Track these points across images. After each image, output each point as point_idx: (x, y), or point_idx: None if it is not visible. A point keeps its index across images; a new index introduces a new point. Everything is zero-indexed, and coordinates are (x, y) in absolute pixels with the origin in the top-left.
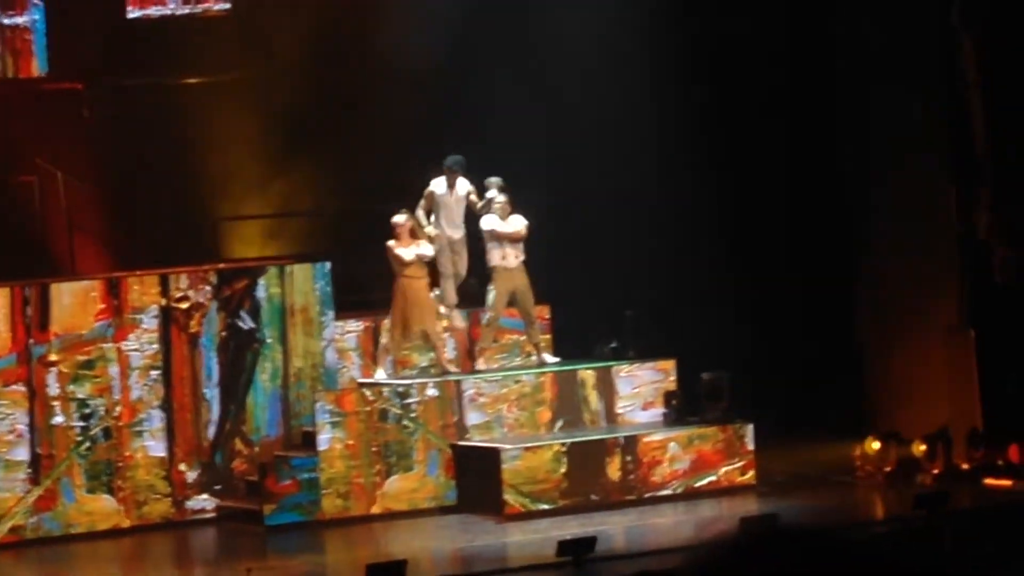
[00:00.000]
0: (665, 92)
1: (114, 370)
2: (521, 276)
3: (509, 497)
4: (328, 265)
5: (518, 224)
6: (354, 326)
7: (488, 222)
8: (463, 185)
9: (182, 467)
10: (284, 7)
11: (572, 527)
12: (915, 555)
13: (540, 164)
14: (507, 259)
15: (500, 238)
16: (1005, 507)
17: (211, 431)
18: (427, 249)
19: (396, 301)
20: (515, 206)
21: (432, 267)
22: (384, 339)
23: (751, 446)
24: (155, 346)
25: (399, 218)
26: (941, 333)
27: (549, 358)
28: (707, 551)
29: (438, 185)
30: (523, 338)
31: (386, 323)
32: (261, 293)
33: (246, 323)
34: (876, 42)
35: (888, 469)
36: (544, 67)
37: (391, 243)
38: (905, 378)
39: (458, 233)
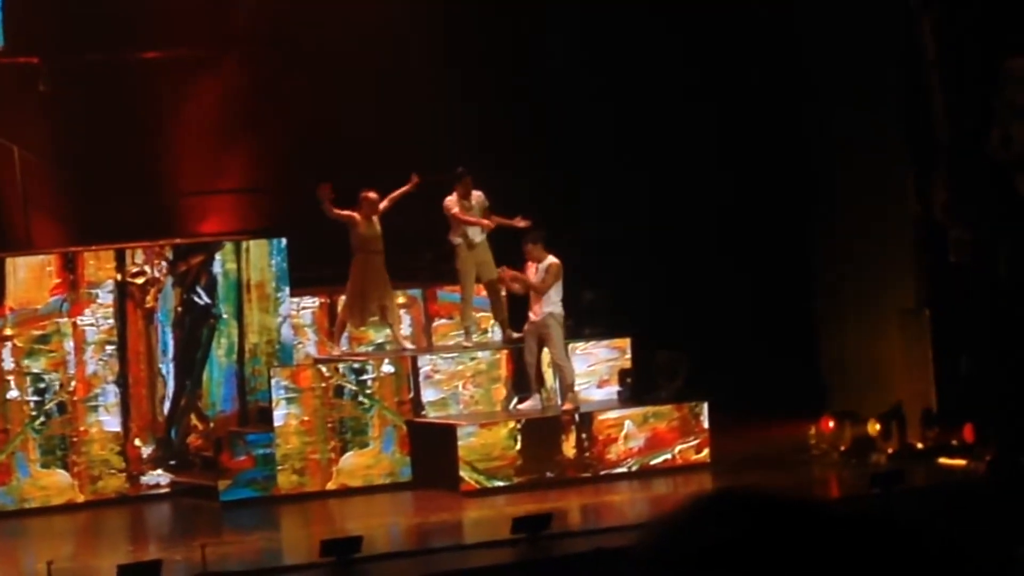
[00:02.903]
0: (628, 73)
1: (69, 345)
2: (485, 252)
3: (464, 474)
4: (284, 241)
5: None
6: (310, 302)
7: (452, 201)
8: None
9: (137, 442)
10: None
11: (527, 504)
12: (871, 526)
13: (498, 144)
14: (472, 235)
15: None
16: (959, 486)
17: (166, 406)
18: (377, 228)
19: (355, 276)
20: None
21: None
22: (341, 315)
23: (706, 425)
24: (111, 321)
25: (370, 194)
26: (896, 313)
27: (513, 334)
28: (664, 522)
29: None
30: (479, 316)
31: (343, 298)
32: (217, 268)
33: (202, 298)
34: (837, 23)
35: (843, 448)
36: (503, 52)
37: (357, 216)
38: (860, 358)
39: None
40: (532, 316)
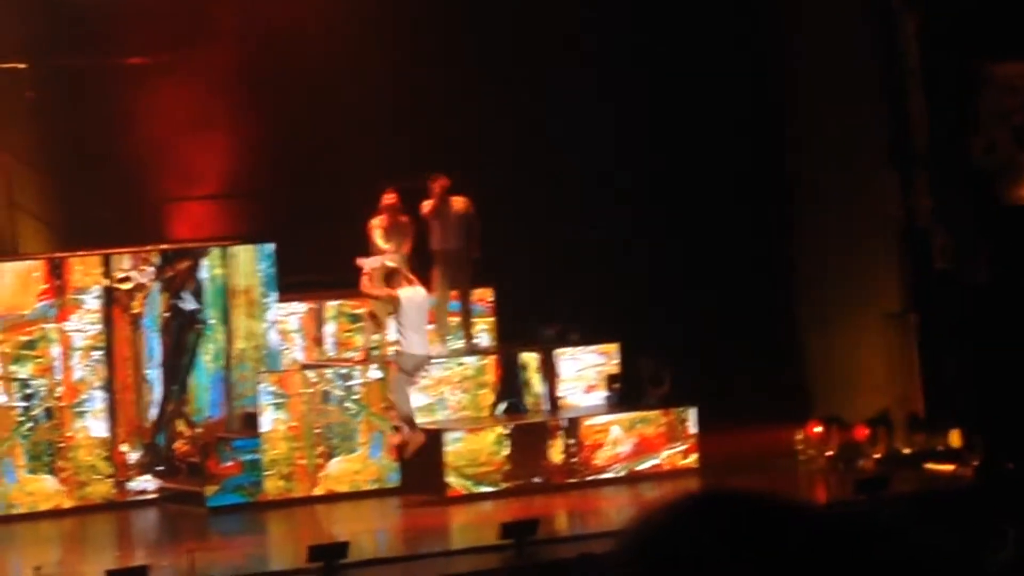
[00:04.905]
0: (608, 80)
1: (56, 350)
2: (458, 258)
3: (452, 479)
4: (272, 246)
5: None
6: (297, 308)
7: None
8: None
9: (124, 448)
10: None
11: (514, 510)
12: (856, 530)
13: (482, 148)
14: (448, 241)
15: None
16: (945, 492)
17: (153, 412)
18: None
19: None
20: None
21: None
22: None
23: (693, 430)
24: (97, 327)
25: (388, 198)
26: (882, 318)
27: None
28: (646, 524)
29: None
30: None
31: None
32: (204, 274)
33: (189, 304)
34: (819, 25)
35: (830, 453)
36: (485, 52)
37: (376, 221)
38: (847, 363)
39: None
40: None
